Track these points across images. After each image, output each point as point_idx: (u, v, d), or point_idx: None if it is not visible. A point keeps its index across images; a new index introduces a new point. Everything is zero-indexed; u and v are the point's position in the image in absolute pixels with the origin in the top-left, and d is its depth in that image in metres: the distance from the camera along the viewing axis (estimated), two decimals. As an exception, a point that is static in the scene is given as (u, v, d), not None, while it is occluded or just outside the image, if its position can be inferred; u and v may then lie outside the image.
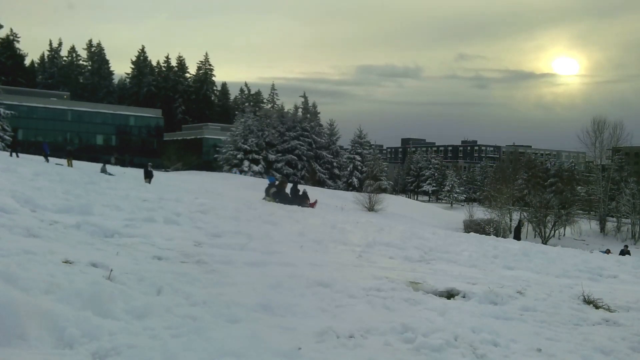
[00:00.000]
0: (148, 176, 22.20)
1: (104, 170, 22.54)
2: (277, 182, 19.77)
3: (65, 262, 1.99)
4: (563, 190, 48.98)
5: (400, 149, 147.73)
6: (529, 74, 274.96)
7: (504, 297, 2.61)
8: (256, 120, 67.13)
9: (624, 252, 24.38)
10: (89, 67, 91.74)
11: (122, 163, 22.81)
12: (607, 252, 25.16)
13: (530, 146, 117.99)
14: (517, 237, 24.69)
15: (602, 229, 46.09)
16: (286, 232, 4.07)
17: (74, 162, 28.08)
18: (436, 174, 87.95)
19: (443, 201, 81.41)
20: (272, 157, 65.03)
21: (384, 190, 55.06)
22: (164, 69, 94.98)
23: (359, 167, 67.61)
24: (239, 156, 63.59)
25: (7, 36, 79.70)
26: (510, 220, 46.11)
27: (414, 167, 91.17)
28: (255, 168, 62.67)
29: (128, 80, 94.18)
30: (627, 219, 45.75)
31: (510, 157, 67.55)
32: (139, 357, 1.28)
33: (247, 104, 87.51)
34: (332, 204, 32.68)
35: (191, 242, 2.97)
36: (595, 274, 4.71)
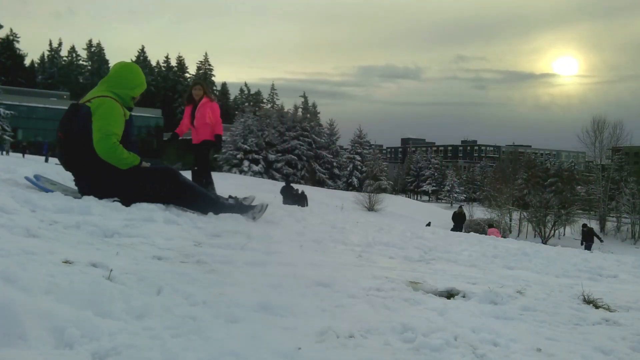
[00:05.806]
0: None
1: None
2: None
3: (65, 262, 1.98)
4: (563, 190, 49.00)
5: (400, 149, 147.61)
6: (528, 74, 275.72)
7: (504, 296, 2.61)
8: (256, 120, 67.11)
9: (586, 232, 21.44)
10: (89, 67, 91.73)
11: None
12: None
13: (530, 146, 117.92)
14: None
15: (602, 228, 46.10)
16: (286, 232, 4.06)
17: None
18: (436, 174, 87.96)
19: (443, 201, 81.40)
20: (272, 157, 65.02)
21: (384, 190, 55.07)
22: (163, 69, 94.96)
23: (359, 167, 67.61)
24: (238, 156, 63.57)
25: (7, 36, 79.68)
26: (510, 220, 46.18)
27: (413, 167, 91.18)
28: (255, 168, 62.66)
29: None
30: (627, 219, 45.77)
31: (510, 157, 67.51)
32: (138, 357, 1.28)
33: (246, 104, 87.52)
34: (332, 204, 32.69)
35: (191, 242, 2.96)
36: (595, 273, 4.71)
